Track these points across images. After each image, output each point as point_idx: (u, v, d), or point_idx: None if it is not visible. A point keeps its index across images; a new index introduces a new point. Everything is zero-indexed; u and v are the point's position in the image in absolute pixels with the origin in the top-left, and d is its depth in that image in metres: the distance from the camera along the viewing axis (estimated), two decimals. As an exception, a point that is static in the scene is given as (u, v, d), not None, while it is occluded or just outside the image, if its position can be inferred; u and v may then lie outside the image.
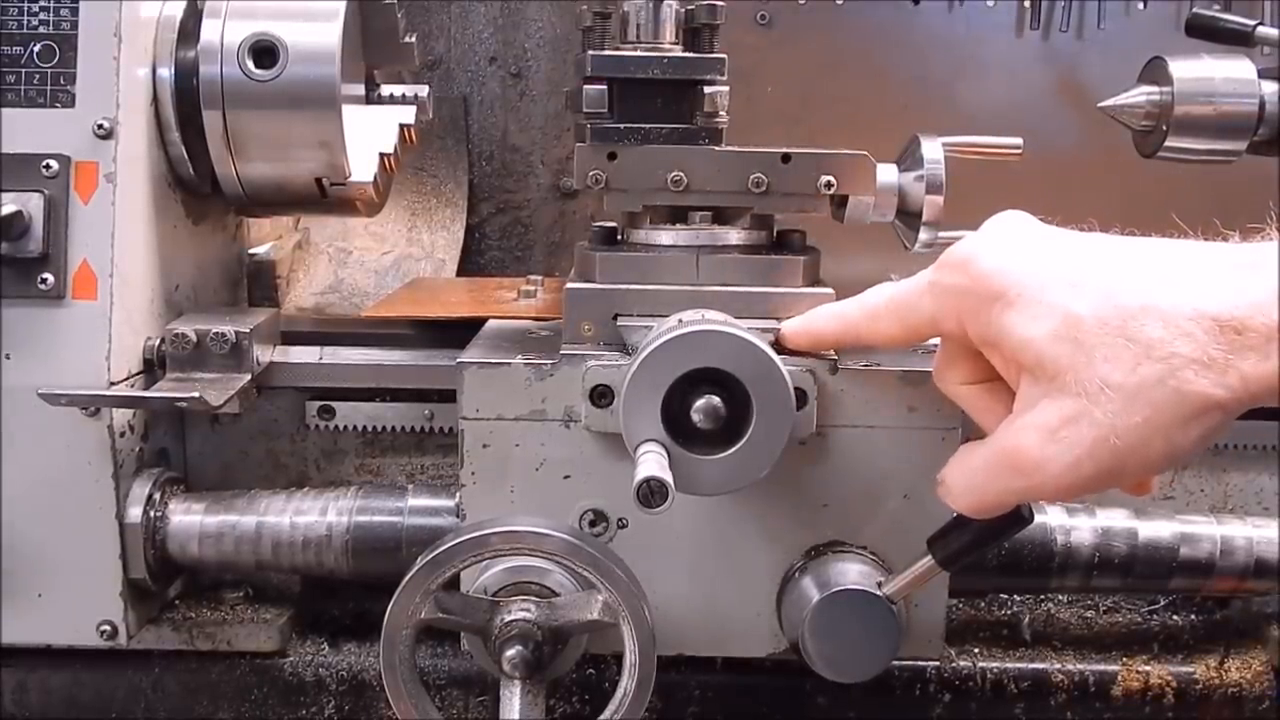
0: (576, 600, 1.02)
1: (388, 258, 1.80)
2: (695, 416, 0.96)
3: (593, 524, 1.09)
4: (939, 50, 1.85)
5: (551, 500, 1.08)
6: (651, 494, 0.89)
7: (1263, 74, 1.43)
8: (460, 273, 1.83)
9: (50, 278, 1.12)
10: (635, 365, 0.96)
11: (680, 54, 1.11)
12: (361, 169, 1.27)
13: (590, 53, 1.10)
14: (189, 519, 1.19)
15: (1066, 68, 1.85)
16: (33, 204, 1.11)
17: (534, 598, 1.02)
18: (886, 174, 1.15)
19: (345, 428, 1.29)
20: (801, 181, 1.10)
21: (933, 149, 1.14)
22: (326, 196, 1.27)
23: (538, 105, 1.91)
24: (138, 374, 1.18)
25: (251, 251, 1.52)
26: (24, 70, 1.13)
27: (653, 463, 0.91)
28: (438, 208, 1.87)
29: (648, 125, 1.10)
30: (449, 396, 1.11)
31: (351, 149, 1.24)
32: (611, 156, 1.10)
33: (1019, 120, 1.81)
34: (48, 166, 1.12)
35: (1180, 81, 1.42)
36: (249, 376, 1.18)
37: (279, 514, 1.18)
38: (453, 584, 1.02)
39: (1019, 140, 1.17)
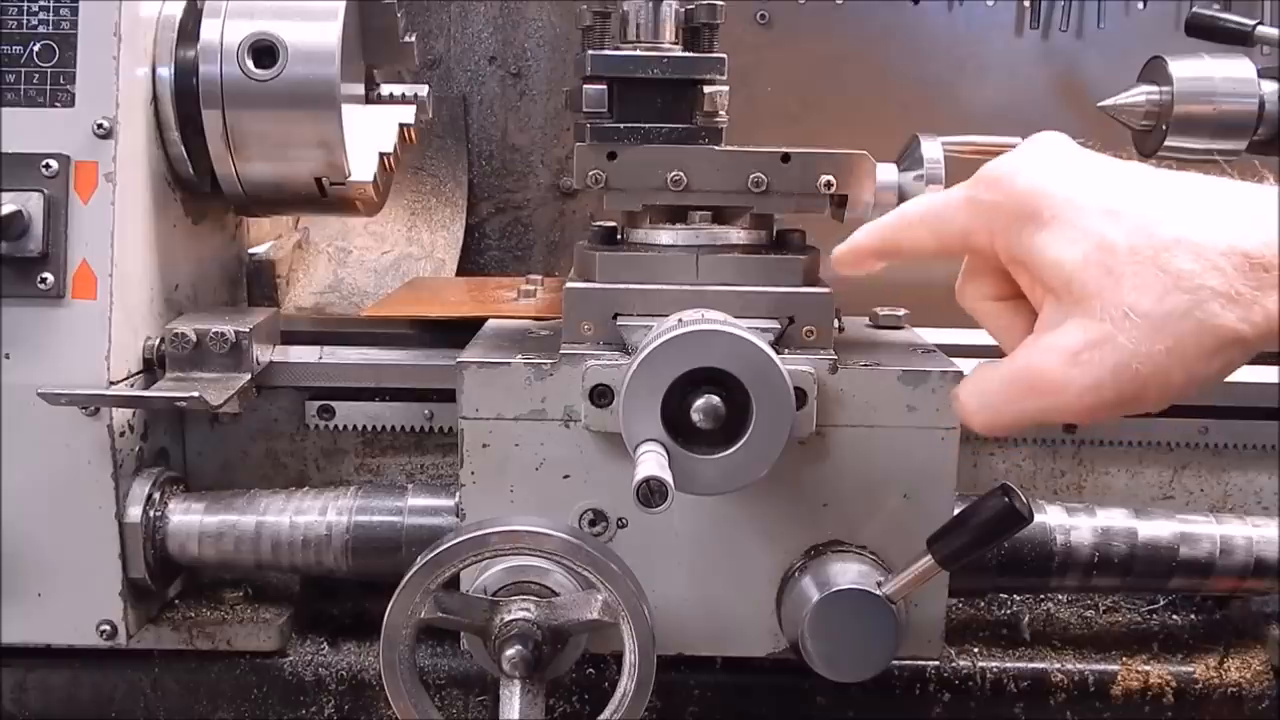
0: (576, 600, 1.02)
1: (387, 257, 1.80)
2: (695, 416, 0.96)
3: (592, 524, 1.09)
4: (939, 50, 1.86)
5: (551, 500, 1.08)
6: (651, 494, 0.89)
7: (1262, 74, 1.43)
8: (460, 272, 1.83)
9: (50, 277, 1.12)
10: (635, 365, 0.96)
11: (680, 53, 1.11)
12: (361, 168, 1.27)
13: (590, 52, 1.10)
14: (189, 518, 1.18)
15: (1066, 67, 1.86)
16: (32, 203, 1.11)
17: (534, 597, 1.02)
18: (886, 173, 1.15)
19: (345, 427, 1.29)
20: (801, 181, 1.10)
21: (932, 148, 1.14)
22: (326, 196, 1.27)
23: (537, 105, 1.91)
24: (137, 374, 1.18)
25: (251, 251, 1.52)
26: (23, 70, 1.13)
27: (652, 462, 0.91)
28: (437, 207, 1.87)
29: (647, 125, 1.10)
30: (449, 396, 1.11)
31: (351, 148, 1.24)
32: (611, 156, 1.10)
33: (1019, 120, 1.82)
34: (47, 166, 1.12)
35: (1180, 81, 1.43)
36: (248, 376, 1.18)
37: (279, 513, 1.18)
38: (452, 583, 1.02)
39: (1019, 140, 1.17)
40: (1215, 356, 0.76)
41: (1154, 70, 1.47)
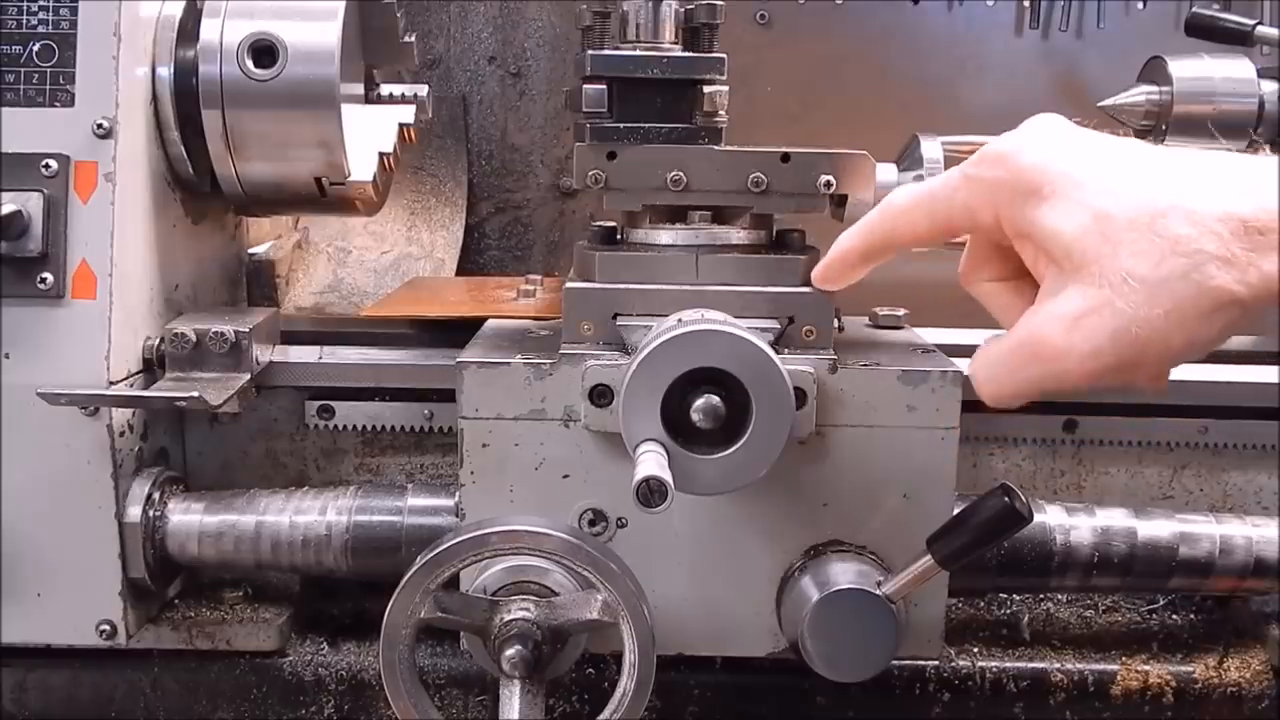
0: (576, 600, 1.02)
1: (387, 257, 1.80)
2: (695, 416, 0.96)
3: (592, 523, 1.09)
4: (939, 50, 1.86)
5: (551, 500, 1.08)
6: (651, 493, 0.89)
7: (1262, 73, 1.44)
8: (459, 272, 1.83)
9: (49, 277, 1.12)
10: (635, 365, 0.96)
11: (680, 53, 1.11)
12: (361, 168, 1.27)
13: (590, 52, 1.10)
14: (188, 518, 1.18)
15: (1066, 67, 1.86)
16: (32, 203, 1.11)
17: (533, 597, 1.02)
18: (886, 173, 1.15)
19: (345, 427, 1.29)
20: (801, 181, 1.10)
21: (932, 148, 1.14)
22: (326, 196, 1.27)
23: (537, 105, 1.91)
24: (137, 373, 1.18)
25: (251, 251, 1.52)
26: (23, 69, 1.13)
27: (652, 462, 0.91)
28: (437, 207, 1.87)
29: (647, 125, 1.10)
30: (448, 396, 1.11)
31: (351, 148, 1.24)
32: (611, 156, 1.10)
33: (1018, 120, 1.80)
34: (47, 166, 1.12)
35: (1180, 81, 1.43)
36: (248, 376, 1.18)
37: (278, 513, 1.18)
38: (452, 583, 1.02)
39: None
40: (1213, 318, 0.77)
41: (1154, 70, 1.48)
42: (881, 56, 1.86)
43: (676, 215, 1.13)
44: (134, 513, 1.15)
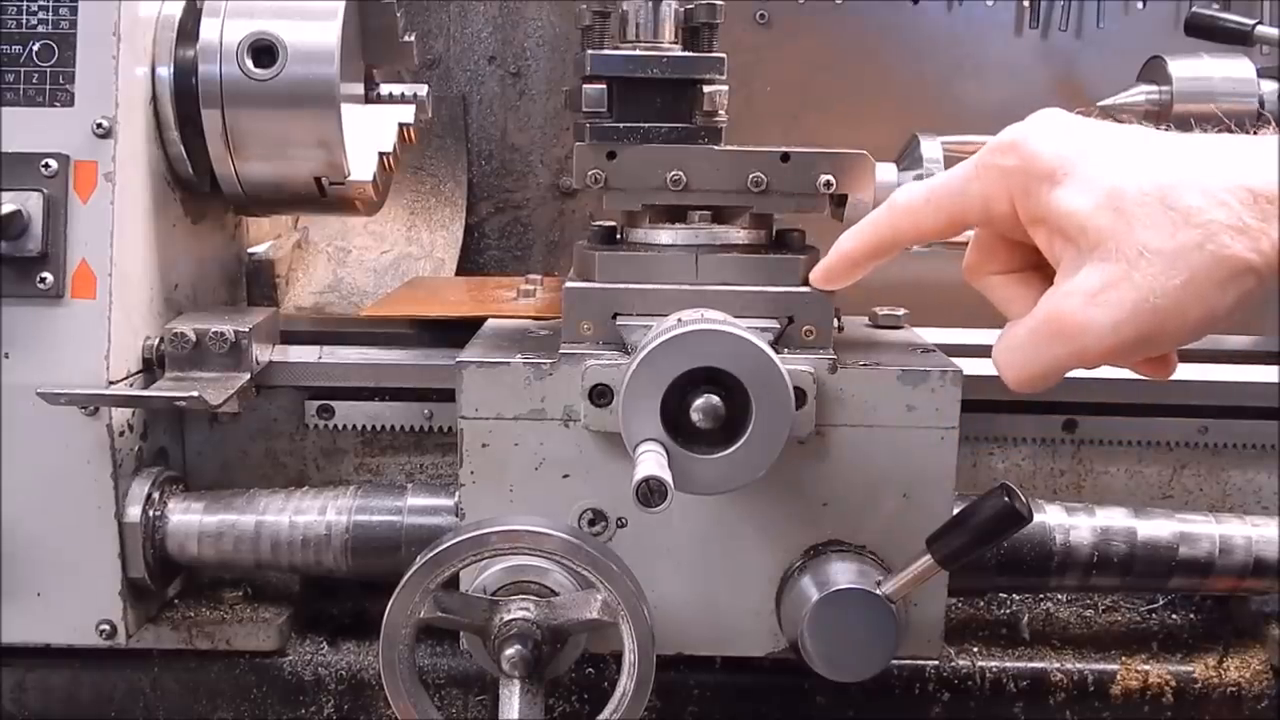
0: (576, 599, 1.02)
1: (387, 257, 1.80)
2: (694, 416, 0.96)
3: (592, 523, 1.09)
4: (938, 49, 1.86)
5: (551, 499, 1.08)
6: (651, 493, 0.89)
7: (1262, 73, 1.44)
8: (459, 272, 1.83)
9: (49, 277, 1.12)
10: (634, 364, 0.96)
11: (679, 53, 1.11)
12: (360, 168, 1.27)
13: (589, 52, 1.10)
14: (188, 518, 1.18)
15: (1065, 67, 1.86)
16: (32, 203, 1.11)
17: (533, 597, 1.02)
18: (886, 173, 1.15)
19: (344, 427, 1.29)
20: (800, 181, 1.10)
21: (932, 148, 1.14)
22: (325, 195, 1.27)
23: (537, 104, 1.91)
24: (137, 373, 1.18)
25: (251, 251, 1.52)
26: (23, 69, 1.13)
27: (652, 462, 0.91)
28: (437, 207, 1.87)
29: (647, 124, 1.10)
30: (448, 395, 1.11)
31: (350, 148, 1.24)
32: (611, 156, 1.10)
33: (1018, 119, 1.81)
34: (47, 166, 1.12)
35: (1179, 80, 1.43)
36: (248, 376, 1.18)
37: (278, 513, 1.18)
38: (452, 583, 1.02)
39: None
40: (1229, 287, 0.78)
41: (1153, 70, 1.48)
42: (881, 56, 1.86)
43: (676, 215, 1.13)
44: (134, 512, 1.15)
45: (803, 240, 1.15)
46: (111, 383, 1.13)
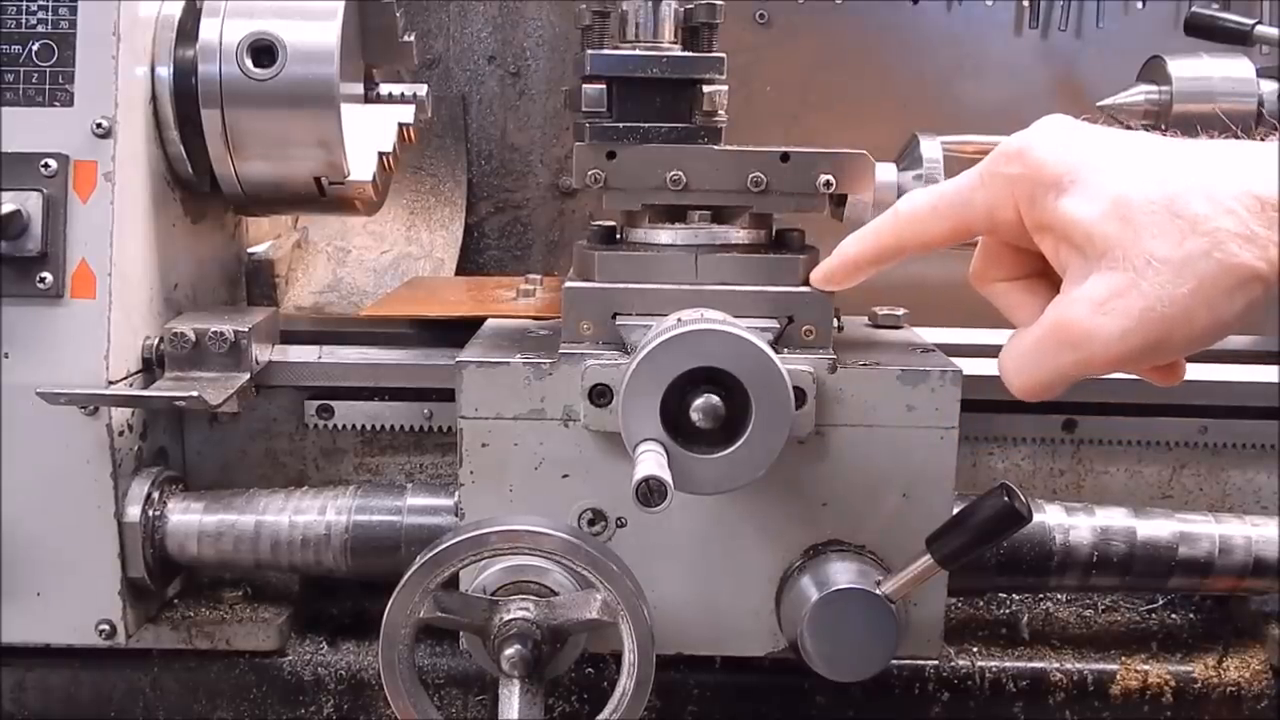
0: (575, 599, 1.02)
1: (386, 257, 1.80)
2: (694, 415, 0.96)
3: (591, 523, 1.09)
4: (938, 49, 1.86)
5: (550, 499, 1.08)
6: (650, 493, 0.89)
7: (1261, 73, 1.44)
8: (459, 272, 1.83)
9: (49, 276, 1.12)
10: (634, 364, 0.96)
11: (679, 53, 1.11)
12: (360, 168, 1.27)
13: (589, 52, 1.10)
14: (188, 518, 1.18)
15: (1065, 67, 1.86)
16: (31, 203, 1.11)
17: (533, 597, 1.02)
18: (885, 173, 1.15)
19: (344, 427, 1.29)
20: (800, 180, 1.10)
21: (931, 148, 1.14)
22: (325, 195, 1.27)
23: (536, 104, 1.91)
24: (136, 373, 1.18)
25: (250, 250, 1.52)
26: (22, 69, 1.13)
27: (651, 462, 0.91)
28: (436, 207, 1.87)
29: (647, 124, 1.10)
30: (448, 395, 1.11)
31: (350, 148, 1.24)
32: (610, 155, 1.10)
33: (1018, 119, 1.80)
34: (46, 165, 1.12)
35: (1179, 80, 1.43)
36: (248, 375, 1.18)
37: (278, 513, 1.18)
38: (451, 583, 1.02)
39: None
40: (1237, 294, 0.77)
41: (1153, 70, 1.48)
42: (881, 56, 1.86)
43: (676, 215, 1.13)
44: (133, 512, 1.15)
45: (802, 240, 1.15)
46: (111, 383, 1.13)
